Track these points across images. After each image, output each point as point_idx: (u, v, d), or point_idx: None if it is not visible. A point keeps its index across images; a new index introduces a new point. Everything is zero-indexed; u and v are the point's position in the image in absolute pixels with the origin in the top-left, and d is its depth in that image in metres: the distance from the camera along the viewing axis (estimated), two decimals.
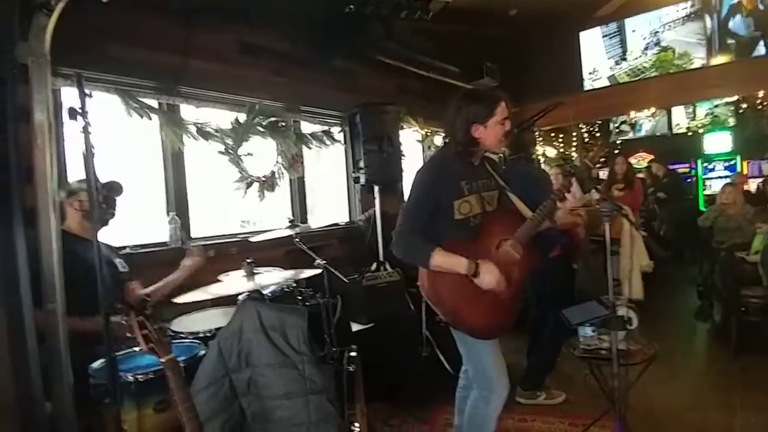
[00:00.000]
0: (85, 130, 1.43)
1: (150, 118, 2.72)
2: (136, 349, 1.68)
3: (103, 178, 1.92)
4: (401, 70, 4.25)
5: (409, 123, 4.63)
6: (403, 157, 3.90)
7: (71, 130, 2.25)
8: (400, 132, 3.99)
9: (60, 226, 1.51)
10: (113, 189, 2.05)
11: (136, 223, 2.81)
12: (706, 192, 8.86)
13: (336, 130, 4.01)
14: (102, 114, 2.60)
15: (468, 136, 1.82)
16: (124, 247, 2.66)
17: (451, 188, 1.82)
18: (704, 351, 3.64)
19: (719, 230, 4.57)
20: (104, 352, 1.47)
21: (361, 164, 3.56)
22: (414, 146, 4.86)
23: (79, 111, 1.42)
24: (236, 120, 3.12)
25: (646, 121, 9.37)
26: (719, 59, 4.89)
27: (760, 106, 7.93)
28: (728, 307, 3.63)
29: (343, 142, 4.05)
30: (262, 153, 3.31)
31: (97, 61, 2.50)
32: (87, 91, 1.46)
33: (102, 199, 1.88)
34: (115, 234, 2.53)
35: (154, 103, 2.80)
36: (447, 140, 1.98)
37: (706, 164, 8.95)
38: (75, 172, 2.34)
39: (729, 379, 3.09)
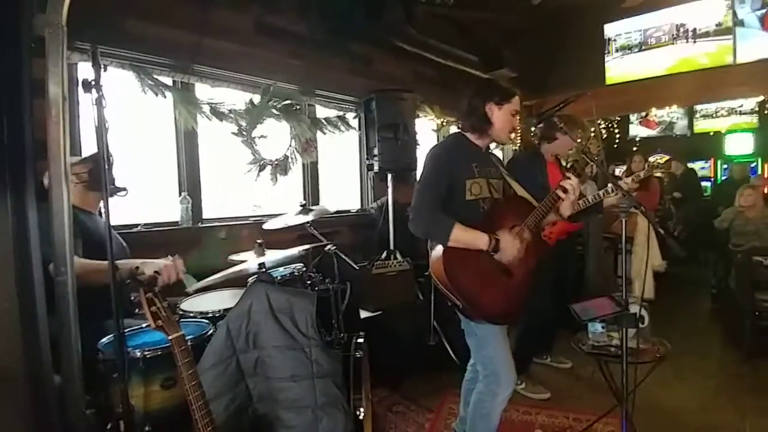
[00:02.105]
0: (99, 103, 1.42)
1: (164, 96, 2.72)
2: (144, 325, 1.69)
3: (115, 153, 1.93)
4: (419, 56, 4.19)
5: (425, 111, 4.57)
6: (417, 146, 3.86)
7: (86, 105, 2.28)
8: (416, 120, 3.95)
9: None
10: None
11: (149, 202, 2.83)
12: None
13: (351, 116, 3.97)
14: (117, 90, 2.61)
15: (482, 112, 1.91)
16: (137, 225, 2.69)
17: (463, 167, 1.88)
18: (715, 353, 3.58)
19: (736, 233, 4.47)
20: (113, 327, 1.47)
21: (375, 151, 3.54)
22: (429, 135, 4.81)
23: (93, 83, 1.41)
24: (251, 101, 3.10)
25: (668, 119, 9.18)
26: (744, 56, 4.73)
27: None
28: (742, 310, 3.58)
29: (357, 128, 4.02)
30: (275, 136, 3.30)
31: (114, 37, 2.50)
32: (101, 65, 1.45)
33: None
34: (128, 212, 2.56)
35: (168, 81, 2.79)
36: (459, 123, 2.06)
37: (725, 166, 8.77)
38: (88, 148, 2.35)
39: (739, 382, 3.05)
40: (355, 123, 4.00)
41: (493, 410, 1.90)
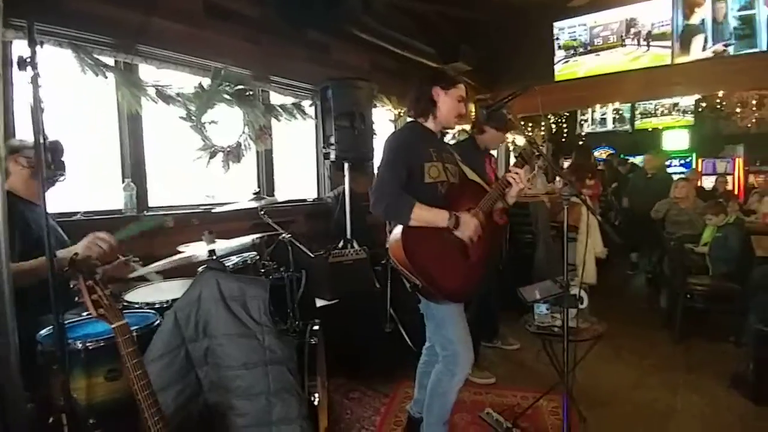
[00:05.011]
0: (34, 81, 1.33)
1: (105, 77, 2.56)
2: (85, 314, 1.62)
3: (51, 137, 1.82)
4: (376, 46, 4.18)
5: (381, 101, 4.58)
6: (374, 136, 3.86)
7: (21, 85, 2.12)
8: (373, 110, 3.94)
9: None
10: (55, 149, 1.94)
11: (89, 189, 2.68)
12: None
13: (307, 104, 3.91)
14: (55, 70, 2.45)
15: (429, 96, 2.02)
16: (76, 213, 2.55)
17: (422, 151, 1.95)
18: (650, 334, 3.84)
19: (670, 222, 4.80)
20: (52, 318, 1.40)
21: (332, 140, 3.50)
22: (386, 125, 4.82)
23: (29, 60, 1.32)
24: (200, 85, 2.98)
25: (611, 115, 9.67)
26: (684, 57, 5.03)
27: (718, 106, 8.26)
28: (675, 293, 3.84)
29: (313, 116, 3.97)
30: (228, 122, 3.20)
31: (52, 13, 2.33)
32: (37, 41, 1.36)
33: (50, 158, 1.78)
34: (66, 199, 2.42)
35: (110, 61, 2.63)
36: (409, 111, 2.14)
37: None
38: (23, 131, 2.20)
39: (672, 361, 3.29)
40: (311, 111, 3.95)
41: (450, 390, 1.96)
